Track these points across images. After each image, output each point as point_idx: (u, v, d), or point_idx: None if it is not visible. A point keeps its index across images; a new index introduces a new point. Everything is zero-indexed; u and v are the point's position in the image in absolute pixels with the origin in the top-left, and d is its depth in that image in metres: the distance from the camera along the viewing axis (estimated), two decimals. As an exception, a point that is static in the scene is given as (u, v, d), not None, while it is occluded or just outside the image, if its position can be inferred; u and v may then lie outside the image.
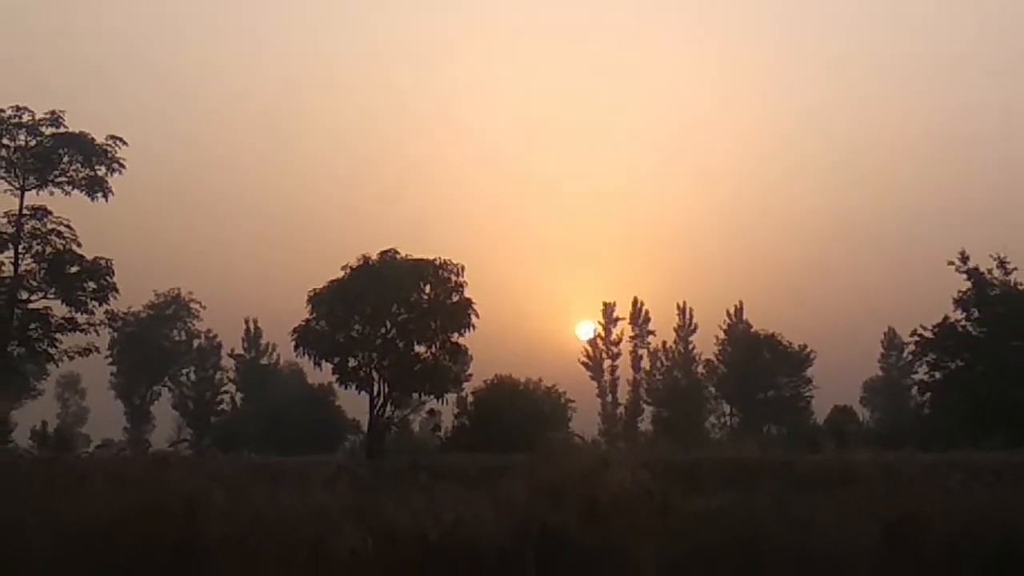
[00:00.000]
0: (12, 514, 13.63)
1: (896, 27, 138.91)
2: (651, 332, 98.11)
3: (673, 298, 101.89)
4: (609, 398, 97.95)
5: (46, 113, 50.49)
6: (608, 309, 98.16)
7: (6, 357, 51.64)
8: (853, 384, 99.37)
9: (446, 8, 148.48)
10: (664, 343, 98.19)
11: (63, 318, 50.52)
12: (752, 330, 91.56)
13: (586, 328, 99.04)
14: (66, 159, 50.32)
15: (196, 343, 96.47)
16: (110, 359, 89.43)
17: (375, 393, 59.34)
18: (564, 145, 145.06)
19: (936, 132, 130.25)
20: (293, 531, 12.69)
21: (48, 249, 50.27)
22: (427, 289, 59.35)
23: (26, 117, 50.23)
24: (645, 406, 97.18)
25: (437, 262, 59.30)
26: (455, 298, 59.31)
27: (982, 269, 59.36)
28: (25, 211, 50.35)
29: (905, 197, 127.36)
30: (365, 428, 63.41)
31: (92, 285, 50.52)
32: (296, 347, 60.21)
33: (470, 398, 69.74)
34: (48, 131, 50.30)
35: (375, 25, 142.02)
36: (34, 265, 50.41)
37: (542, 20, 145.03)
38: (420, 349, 59.72)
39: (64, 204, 50.84)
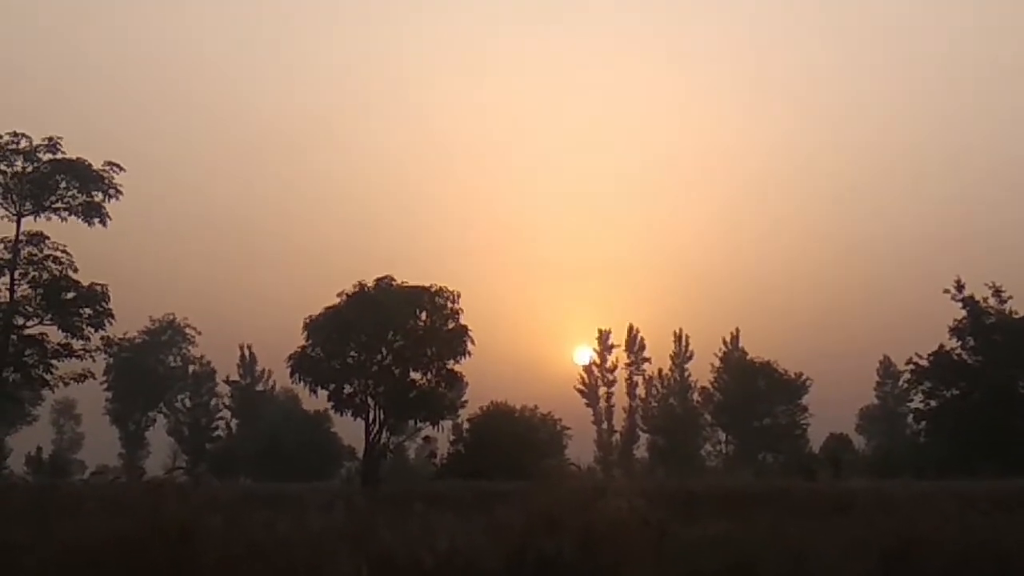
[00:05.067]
0: (6, 539, 13.57)
1: (885, 57, 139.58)
2: (647, 359, 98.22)
3: (669, 325, 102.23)
4: (605, 425, 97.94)
5: (43, 139, 50.51)
6: (603, 336, 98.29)
7: (1, 383, 51.55)
8: (849, 412, 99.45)
9: (436, 36, 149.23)
10: (660, 370, 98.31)
11: (59, 344, 50.37)
12: (748, 358, 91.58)
13: (582, 354, 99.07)
14: (63, 185, 50.25)
15: (191, 369, 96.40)
16: (105, 385, 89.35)
17: (371, 420, 59.19)
18: (561, 171, 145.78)
19: (932, 159, 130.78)
20: (289, 558, 12.65)
21: (44, 275, 50.18)
22: (423, 316, 59.24)
23: (23, 143, 50.21)
24: (641, 433, 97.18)
25: (433, 289, 59.23)
26: (451, 325, 59.20)
27: (977, 297, 59.57)
28: (22, 237, 50.28)
29: (900, 225, 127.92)
30: (361, 455, 63.23)
31: (88, 311, 50.40)
32: (292, 374, 60.08)
33: (466, 425, 69.84)
34: (45, 157, 50.25)
35: (368, 53, 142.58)
36: (30, 291, 50.30)
37: (536, 45, 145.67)
38: (416, 376, 59.57)
39: (61, 230, 50.87)
